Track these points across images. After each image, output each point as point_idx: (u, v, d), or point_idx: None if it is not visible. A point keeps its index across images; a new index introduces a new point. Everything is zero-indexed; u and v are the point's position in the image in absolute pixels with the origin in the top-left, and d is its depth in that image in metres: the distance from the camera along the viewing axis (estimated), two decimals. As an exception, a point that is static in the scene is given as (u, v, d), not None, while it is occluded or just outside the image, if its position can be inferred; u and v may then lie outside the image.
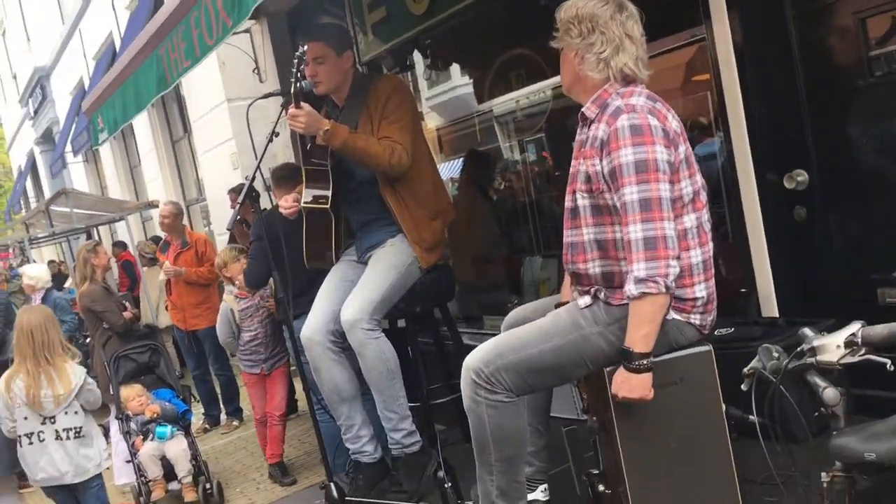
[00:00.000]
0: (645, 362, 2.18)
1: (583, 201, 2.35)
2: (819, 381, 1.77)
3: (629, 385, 2.20)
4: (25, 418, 4.04)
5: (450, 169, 5.80)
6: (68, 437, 4.07)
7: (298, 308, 3.61)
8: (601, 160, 2.25)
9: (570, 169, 2.44)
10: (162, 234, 11.05)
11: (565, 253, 2.47)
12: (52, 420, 4.05)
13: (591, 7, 2.32)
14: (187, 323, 6.49)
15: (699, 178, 2.34)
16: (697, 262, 2.31)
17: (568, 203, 2.43)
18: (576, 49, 2.34)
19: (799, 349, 1.80)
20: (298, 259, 3.59)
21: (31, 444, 4.05)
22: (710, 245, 2.37)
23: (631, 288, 2.17)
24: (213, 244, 6.86)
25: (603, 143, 2.24)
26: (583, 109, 2.38)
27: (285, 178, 4.25)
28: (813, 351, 1.76)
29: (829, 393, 1.75)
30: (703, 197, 2.35)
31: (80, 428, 4.13)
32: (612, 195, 2.25)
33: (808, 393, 1.85)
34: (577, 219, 2.39)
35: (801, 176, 3.07)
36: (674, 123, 2.28)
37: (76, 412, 4.12)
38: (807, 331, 1.82)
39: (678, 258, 2.19)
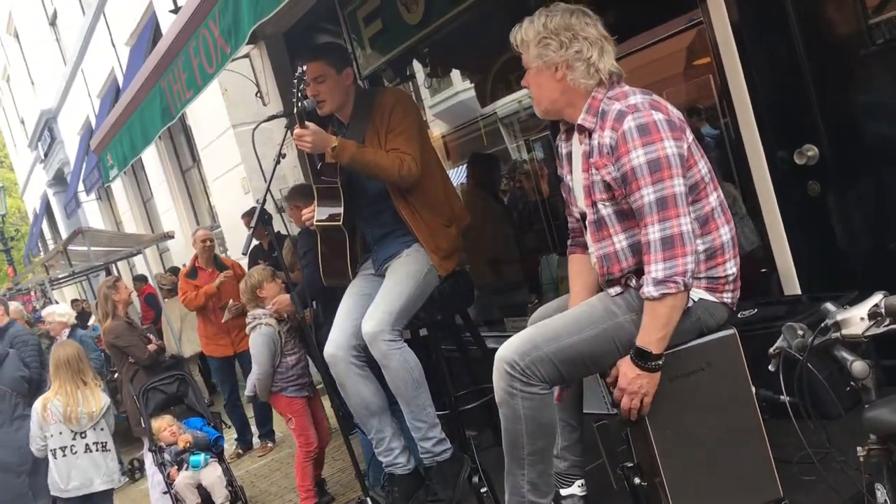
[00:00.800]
0: (660, 363, 2.21)
1: (606, 210, 2.34)
2: (847, 356, 1.75)
3: (640, 382, 2.22)
4: (60, 433, 4.82)
5: (459, 175, 5.80)
6: (97, 450, 4.92)
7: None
8: (613, 165, 2.25)
9: (580, 181, 2.42)
10: (178, 264, 11.18)
11: (599, 267, 2.43)
12: (83, 435, 4.87)
13: (559, 18, 2.33)
14: (236, 346, 6.52)
15: (706, 161, 2.34)
16: (727, 241, 2.32)
17: (590, 216, 2.40)
18: (559, 62, 2.33)
19: (823, 325, 1.79)
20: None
21: (64, 456, 4.82)
22: (733, 222, 2.38)
23: (651, 290, 2.18)
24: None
25: (612, 149, 2.24)
26: (579, 121, 2.36)
27: (293, 197, 4.32)
28: (837, 326, 1.74)
29: (858, 366, 1.73)
30: (715, 177, 2.35)
31: (106, 443, 4.98)
32: (629, 197, 2.24)
33: (836, 368, 1.83)
34: (603, 229, 2.38)
35: (811, 151, 3.05)
36: (675, 112, 2.28)
37: (102, 429, 4.97)
38: (829, 305, 1.80)
39: (696, 252, 2.20)
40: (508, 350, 2.39)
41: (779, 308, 3.10)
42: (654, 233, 2.17)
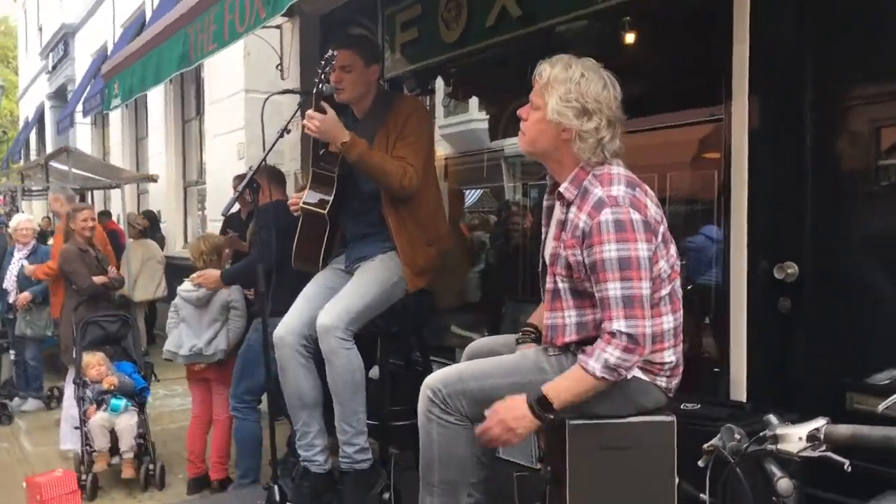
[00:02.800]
0: (551, 417, 2.23)
1: (563, 284, 2.38)
2: (775, 470, 1.77)
3: (517, 421, 2.23)
4: None
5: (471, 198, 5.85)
6: None
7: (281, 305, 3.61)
8: (582, 251, 2.26)
9: (549, 247, 2.45)
10: (155, 209, 11.07)
11: (545, 333, 2.48)
12: None
13: (594, 85, 2.28)
14: None
15: (674, 250, 2.37)
16: (669, 329, 2.34)
17: (549, 284, 2.44)
18: (573, 129, 2.29)
19: (761, 434, 1.81)
20: (289, 257, 3.59)
21: None
22: (681, 311, 2.40)
23: (596, 367, 2.19)
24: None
25: (585, 235, 2.24)
26: (561, 189, 2.36)
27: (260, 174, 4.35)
28: (775, 438, 1.76)
29: (784, 483, 1.75)
30: (677, 267, 2.38)
31: None
32: (592, 285, 2.26)
33: (762, 480, 1.85)
34: (557, 301, 2.41)
35: (792, 268, 3.10)
36: (652, 210, 2.29)
37: None
38: (772, 417, 1.82)
39: (648, 352, 2.23)
40: (435, 378, 2.46)
41: (721, 410, 3.12)
42: (620, 326, 2.18)
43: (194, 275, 4.59)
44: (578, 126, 2.29)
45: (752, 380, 3.22)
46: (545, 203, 2.57)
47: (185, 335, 4.58)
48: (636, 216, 2.21)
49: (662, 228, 2.32)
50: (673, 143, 4.05)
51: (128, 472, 4.74)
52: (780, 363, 3.20)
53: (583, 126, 2.28)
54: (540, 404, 2.23)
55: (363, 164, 3.19)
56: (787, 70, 3.12)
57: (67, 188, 8.00)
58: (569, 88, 2.28)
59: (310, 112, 3.12)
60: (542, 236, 2.58)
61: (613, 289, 2.19)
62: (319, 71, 3.09)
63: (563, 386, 2.24)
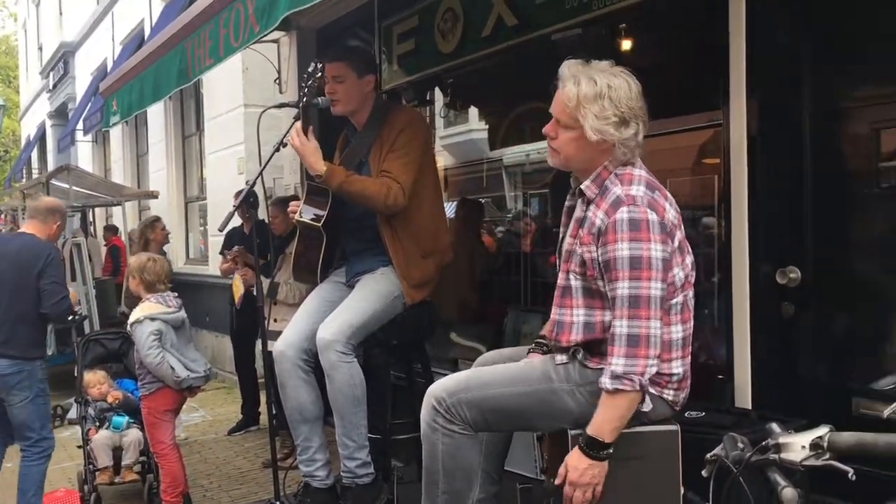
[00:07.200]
0: (611, 451, 2.19)
1: (576, 282, 2.35)
2: (779, 479, 1.75)
3: (590, 473, 2.19)
4: None
5: (450, 210, 5.83)
6: None
7: None
8: (597, 248, 2.24)
9: (565, 244, 2.44)
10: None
11: (550, 329, 2.45)
12: None
13: (623, 91, 2.25)
14: None
15: (689, 260, 2.34)
16: (677, 339, 2.31)
17: (561, 280, 2.42)
18: (614, 141, 2.26)
19: (764, 443, 1.78)
20: None
21: None
22: (692, 322, 2.37)
23: (606, 382, 2.17)
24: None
25: (600, 232, 2.23)
26: (582, 187, 2.35)
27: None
28: (777, 447, 1.74)
29: (788, 493, 1.73)
30: (692, 278, 2.36)
31: None
32: (605, 283, 2.24)
33: (767, 490, 1.82)
34: (567, 297, 2.38)
35: (794, 273, 3.07)
36: (671, 214, 2.28)
37: None
38: (774, 426, 1.80)
39: (658, 357, 2.19)
40: (439, 387, 2.44)
41: (726, 417, 3.09)
42: (621, 327, 2.17)
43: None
44: (619, 136, 2.26)
45: (756, 386, 3.19)
46: (567, 203, 2.54)
47: (179, 359, 4.30)
48: (653, 217, 2.19)
49: (679, 235, 2.30)
50: (673, 149, 4.03)
51: (130, 476, 4.69)
52: (784, 369, 3.17)
53: (623, 135, 2.26)
54: (591, 447, 2.19)
55: (344, 193, 3.22)
56: (785, 73, 3.10)
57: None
58: (602, 105, 2.24)
59: (297, 126, 3.13)
60: (560, 235, 2.54)
61: (622, 288, 2.17)
62: (303, 84, 3.09)
63: (601, 417, 2.20)
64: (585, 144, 2.30)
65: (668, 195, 2.34)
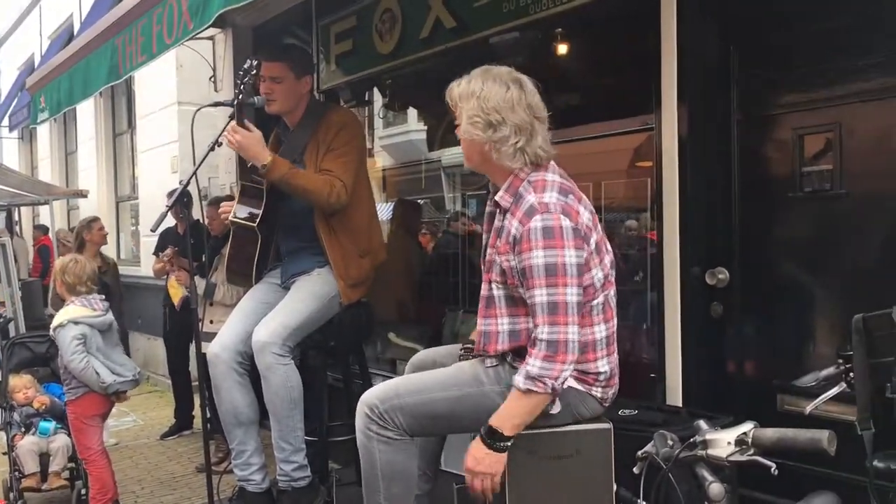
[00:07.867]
0: (509, 444, 2.23)
1: (498, 291, 2.38)
2: (707, 475, 1.80)
3: (489, 462, 2.23)
4: None
5: (386, 211, 5.83)
6: None
7: None
8: (514, 256, 2.27)
9: (486, 255, 2.47)
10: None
11: (478, 339, 2.48)
12: None
13: (494, 94, 2.29)
14: None
15: (608, 259, 2.39)
16: (601, 338, 2.35)
17: (484, 291, 2.46)
18: (486, 142, 2.32)
19: (692, 440, 1.83)
20: None
21: None
22: (615, 321, 2.42)
23: (520, 381, 2.21)
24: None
25: (516, 241, 2.26)
26: (496, 198, 2.39)
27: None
28: (705, 444, 1.79)
29: (716, 488, 1.78)
30: (612, 277, 2.40)
31: None
32: (524, 291, 2.28)
33: (696, 485, 1.88)
34: (491, 307, 2.41)
35: (722, 274, 3.16)
36: (585, 217, 2.31)
37: None
38: (701, 423, 1.85)
39: (574, 362, 2.23)
40: (371, 394, 2.45)
41: (658, 415, 3.15)
42: (542, 333, 2.20)
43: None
44: (490, 138, 2.30)
45: (687, 384, 3.26)
46: (487, 210, 2.57)
47: (105, 363, 4.17)
48: (566, 223, 2.22)
49: (596, 237, 2.34)
50: (606, 152, 4.10)
51: (56, 482, 4.55)
52: (713, 367, 3.26)
53: (493, 137, 2.30)
54: (491, 437, 2.22)
55: (285, 186, 3.17)
56: (714, 80, 3.19)
57: None
58: (472, 105, 2.32)
59: (233, 125, 3.09)
60: (483, 243, 2.58)
61: (540, 295, 2.20)
62: (238, 82, 3.05)
63: (506, 411, 2.23)
64: (469, 144, 2.39)
65: (583, 197, 2.38)
